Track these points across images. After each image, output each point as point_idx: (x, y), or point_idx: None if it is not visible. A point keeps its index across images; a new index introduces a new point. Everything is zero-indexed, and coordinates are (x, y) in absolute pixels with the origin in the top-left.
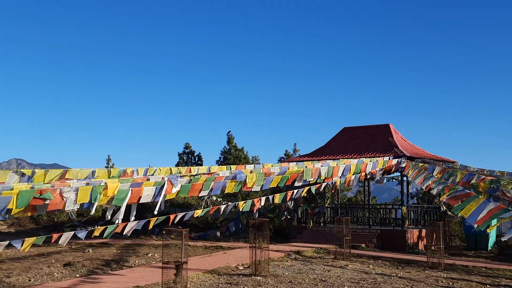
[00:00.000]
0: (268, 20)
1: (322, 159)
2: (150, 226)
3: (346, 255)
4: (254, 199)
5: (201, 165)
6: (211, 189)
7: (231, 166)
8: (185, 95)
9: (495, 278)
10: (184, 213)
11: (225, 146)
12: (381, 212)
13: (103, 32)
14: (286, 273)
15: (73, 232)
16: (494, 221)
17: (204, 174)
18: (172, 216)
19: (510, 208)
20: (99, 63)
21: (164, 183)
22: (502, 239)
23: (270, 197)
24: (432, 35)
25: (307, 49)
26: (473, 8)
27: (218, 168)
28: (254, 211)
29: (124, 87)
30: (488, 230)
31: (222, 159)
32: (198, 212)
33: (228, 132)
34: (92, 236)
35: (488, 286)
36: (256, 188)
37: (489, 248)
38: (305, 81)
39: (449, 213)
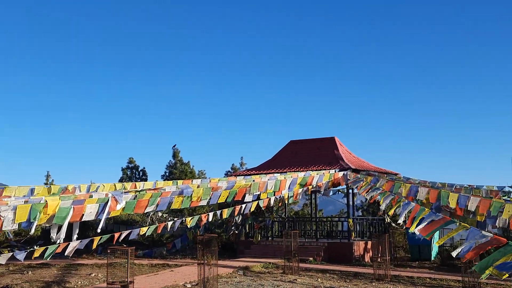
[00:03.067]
0: (209, 28)
1: (269, 173)
2: (94, 246)
3: (295, 269)
4: (202, 215)
5: (146, 180)
6: (157, 205)
7: (178, 181)
8: (127, 106)
9: None
10: (130, 230)
11: (170, 161)
12: (328, 225)
13: (31, 32)
14: None
15: (11, 253)
16: (436, 233)
17: (149, 189)
18: (116, 234)
19: (454, 220)
20: (31, 68)
21: (108, 200)
22: (453, 254)
23: (218, 212)
24: (375, 45)
25: (252, 61)
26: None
27: (164, 183)
28: (201, 227)
29: (62, 97)
30: (436, 244)
31: (167, 174)
32: (145, 230)
33: (174, 145)
34: (33, 258)
35: None
36: (203, 203)
37: (432, 258)
38: (250, 93)
39: (393, 224)
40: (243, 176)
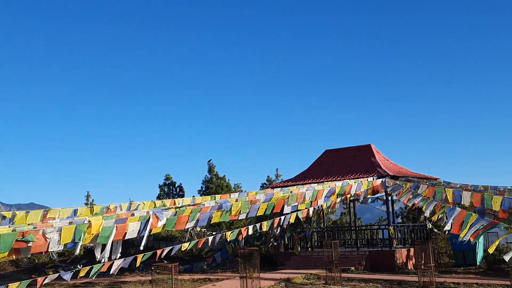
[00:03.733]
0: (237, 41)
1: (306, 183)
2: (138, 263)
3: (337, 279)
4: (241, 228)
5: (182, 196)
6: (198, 220)
7: (216, 195)
8: (161, 123)
9: None
10: (171, 247)
11: (206, 175)
12: (368, 233)
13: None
14: None
15: (57, 274)
16: (481, 237)
17: (189, 205)
18: (159, 251)
19: (502, 224)
20: (70, 96)
21: (149, 217)
22: (506, 258)
23: (258, 225)
24: (409, 48)
25: (282, 71)
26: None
27: (202, 199)
28: (240, 240)
29: (97, 118)
30: (489, 250)
31: (204, 189)
32: (186, 245)
33: (209, 160)
34: (78, 277)
35: None
36: (242, 217)
37: (478, 263)
38: (283, 103)
39: (436, 230)
40: (280, 188)
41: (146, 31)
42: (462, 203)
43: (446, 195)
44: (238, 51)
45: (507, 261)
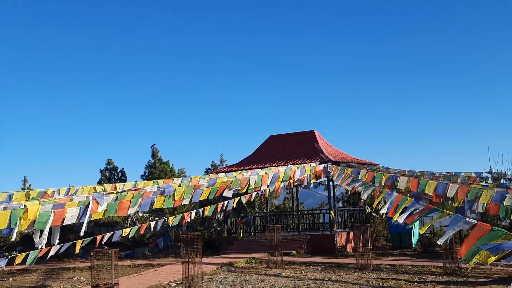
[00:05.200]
0: (189, 26)
1: (251, 168)
2: (77, 249)
3: (279, 263)
4: (184, 213)
5: (125, 181)
6: (140, 205)
7: (158, 180)
8: (103, 107)
9: (422, 275)
10: (112, 232)
11: (149, 160)
12: (310, 218)
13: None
14: (220, 286)
15: None
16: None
17: (130, 190)
18: (99, 237)
19: (438, 208)
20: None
21: (89, 203)
22: (439, 242)
23: (200, 210)
24: (351, 37)
25: (229, 57)
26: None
27: (145, 184)
28: (183, 225)
29: (35, 100)
30: (421, 231)
31: (147, 174)
32: (127, 231)
33: (153, 145)
34: (14, 264)
35: (415, 283)
36: (185, 202)
37: (413, 246)
38: (227, 90)
39: (374, 214)
40: (224, 173)
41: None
42: (399, 187)
43: (385, 180)
44: (182, 33)
45: (440, 244)
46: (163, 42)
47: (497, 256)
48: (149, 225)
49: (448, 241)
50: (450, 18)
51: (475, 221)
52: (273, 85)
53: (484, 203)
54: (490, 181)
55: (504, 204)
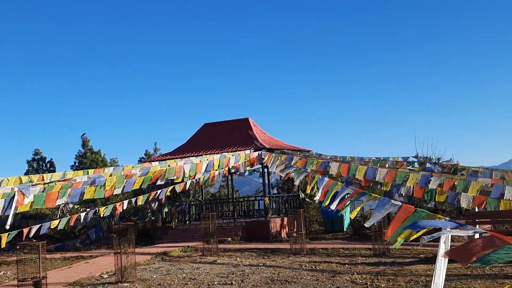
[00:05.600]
0: (117, 17)
1: (185, 157)
2: (3, 243)
3: (214, 250)
4: (116, 203)
5: (54, 171)
6: (69, 196)
7: (89, 170)
8: (31, 97)
9: (352, 257)
10: (40, 225)
11: (80, 150)
12: (245, 205)
13: None
14: (154, 276)
15: None
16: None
17: (59, 181)
18: (25, 230)
19: (366, 192)
20: None
21: (14, 194)
22: (366, 225)
23: (133, 199)
24: (279, 24)
25: (161, 46)
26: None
27: (74, 174)
28: (116, 216)
29: None
30: (351, 216)
31: (77, 164)
32: (56, 223)
33: (83, 134)
34: None
35: (346, 265)
36: (118, 191)
37: (345, 229)
38: (160, 78)
39: (308, 199)
40: (157, 162)
41: None
42: (331, 173)
43: (317, 166)
44: (116, 24)
45: (367, 226)
46: (96, 34)
47: (419, 233)
48: (79, 216)
49: (376, 224)
50: (379, 18)
51: (400, 204)
52: (207, 74)
53: (410, 186)
54: (416, 165)
55: (429, 187)
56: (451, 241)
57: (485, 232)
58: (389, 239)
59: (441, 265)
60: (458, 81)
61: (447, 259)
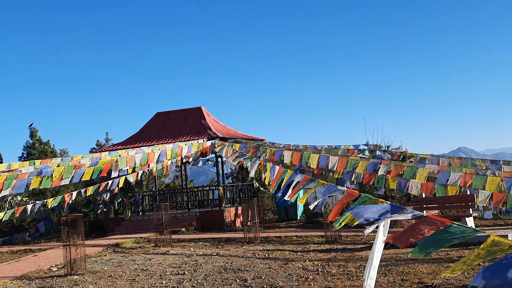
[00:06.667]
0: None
1: (137, 146)
2: None
3: (167, 241)
4: (65, 195)
5: (1, 163)
6: (14, 187)
7: (35, 161)
8: None
9: (305, 244)
10: None
11: (28, 141)
12: (199, 195)
13: None
14: (105, 268)
15: None
16: (302, 193)
17: (3, 172)
18: None
19: (314, 179)
20: None
21: None
22: (309, 208)
23: (82, 190)
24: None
25: (111, 36)
26: None
27: (20, 165)
28: (65, 207)
29: None
30: (299, 202)
31: (25, 155)
32: (1, 215)
33: (30, 124)
34: None
35: (299, 252)
36: (66, 182)
37: (299, 217)
38: (111, 67)
39: (262, 188)
40: (108, 152)
41: None
42: (284, 162)
43: (270, 154)
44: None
45: (311, 208)
46: (44, 24)
47: (361, 219)
48: (26, 208)
49: (322, 209)
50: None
51: (345, 189)
52: (159, 61)
53: (361, 174)
54: (367, 153)
55: (379, 174)
56: (400, 228)
57: (423, 216)
58: (334, 223)
59: (379, 248)
60: (409, 72)
61: (383, 243)
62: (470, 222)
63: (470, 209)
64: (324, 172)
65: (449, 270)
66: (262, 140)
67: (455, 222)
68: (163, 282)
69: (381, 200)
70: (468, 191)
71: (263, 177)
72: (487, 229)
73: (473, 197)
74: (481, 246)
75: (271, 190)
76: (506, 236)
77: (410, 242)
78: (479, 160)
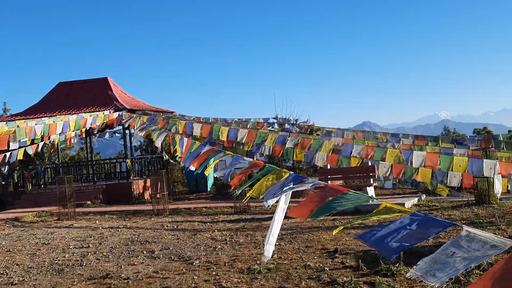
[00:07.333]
0: None
1: (37, 117)
2: None
3: (71, 214)
4: None
5: None
6: None
7: None
8: None
9: (214, 215)
10: None
11: None
12: (106, 167)
13: None
14: (3, 243)
15: None
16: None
17: None
18: None
19: (221, 150)
20: None
21: None
22: (216, 175)
23: None
24: None
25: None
26: None
27: None
28: None
29: None
30: (206, 172)
31: None
32: None
33: None
34: None
35: (208, 223)
36: None
37: (209, 189)
38: (9, 33)
39: (172, 161)
40: (5, 122)
41: None
42: (194, 134)
43: (179, 127)
44: None
45: (217, 177)
46: None
47: (263, 191)
48: None
49: (229, 180)
50: None
51: (251, 160)
52: (62, 29)
53: (270, 146)
54: (276, 126)
55: (287, 146)
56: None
57: (322, 184)
58: (236, 190)
59: (280, 215)
60: (320, 45)
61: (284, 210)
62: (371, 191)
63: (371, 179)
64: (234, 145)
65: (336, 230)
66: (172, 112)
67: (351, 190)
68: (66, 256)
69: (284, 170)
70: (369, 162)
71: (173, 149)
72: (386, 197)
73: (374, 168)
74: (374, 211)
75: (181, 163)
76: (403, 204)
77: (308, 214)
78: (381, 133)
